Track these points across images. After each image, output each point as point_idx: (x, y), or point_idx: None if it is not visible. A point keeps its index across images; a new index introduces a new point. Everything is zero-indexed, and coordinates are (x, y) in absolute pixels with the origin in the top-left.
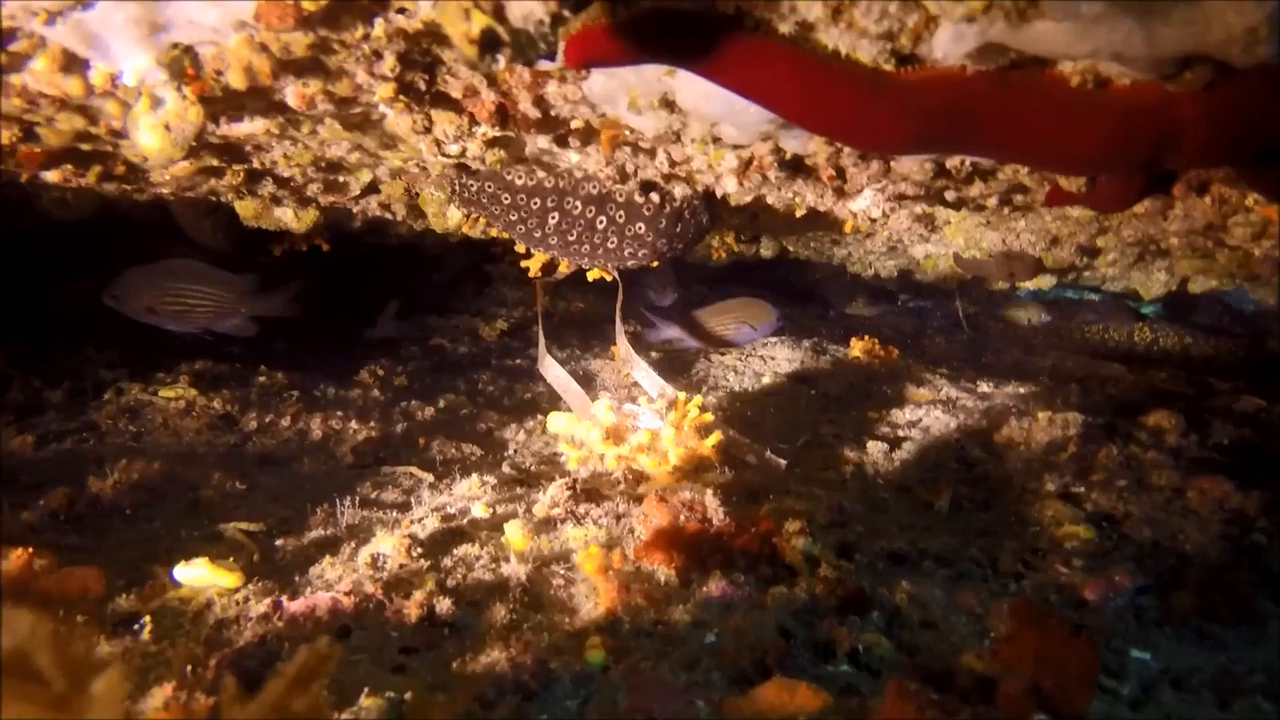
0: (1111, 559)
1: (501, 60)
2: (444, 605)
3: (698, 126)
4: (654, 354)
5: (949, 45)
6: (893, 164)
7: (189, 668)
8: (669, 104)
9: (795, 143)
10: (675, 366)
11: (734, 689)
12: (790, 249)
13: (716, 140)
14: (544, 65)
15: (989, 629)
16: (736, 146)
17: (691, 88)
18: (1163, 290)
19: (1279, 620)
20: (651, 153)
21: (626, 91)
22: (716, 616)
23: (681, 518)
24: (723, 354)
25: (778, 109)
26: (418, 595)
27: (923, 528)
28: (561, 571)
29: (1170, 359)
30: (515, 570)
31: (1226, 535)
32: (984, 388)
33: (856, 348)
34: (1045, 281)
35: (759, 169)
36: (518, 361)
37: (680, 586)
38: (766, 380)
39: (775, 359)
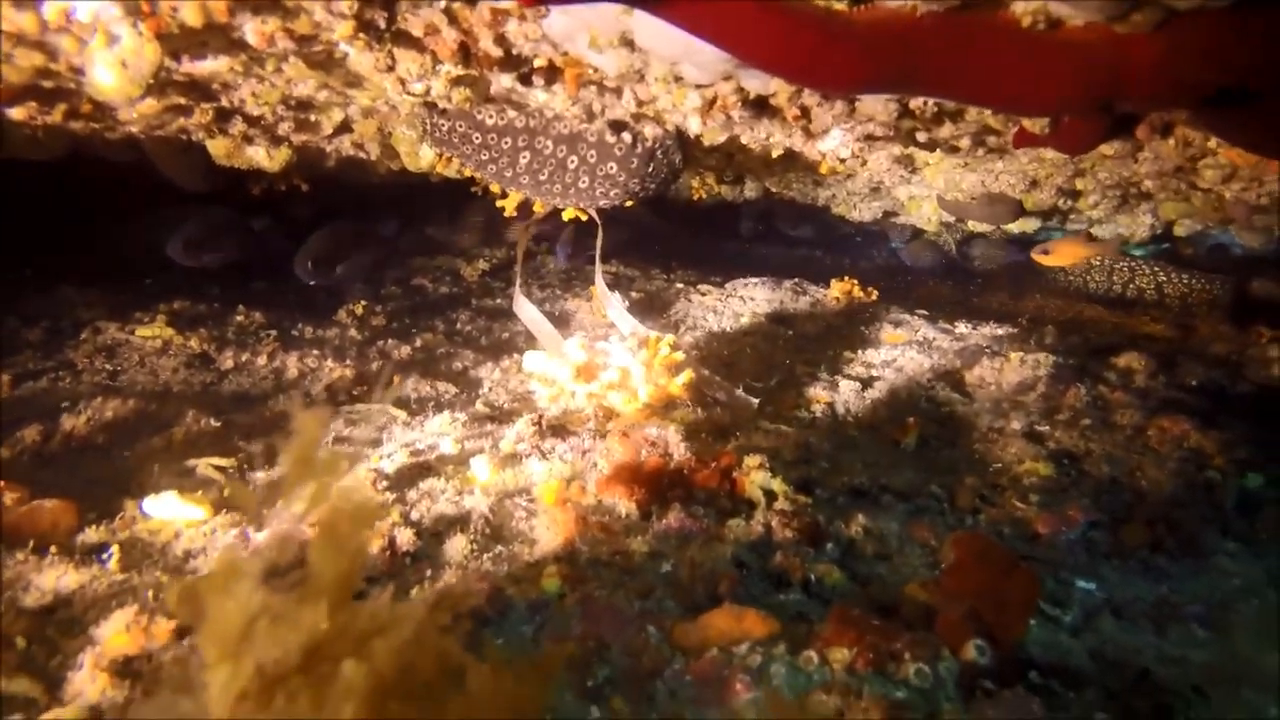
0: (1068, 495)
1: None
2: (405, 536)
3: (659, 65)
4: (634, 294)
5: None
6: (857, 104)
7: (151, 593)
8: (629, 43)
9: (757, 82)
10: (654, 306)
11: (686, 616)
12: (773, 190)
13: (679, 79)
14: (499, 3)
15: (941, 560)
16: (699, 86)
17: (649, 26)
18: (1148, 234)
19: (1224, 554)
20: (617, 92)
21: (586, 30)
22: (673, 548)
23: (643, 453)
24: (703, 294)
25: (728, 48)
26: (381, 526)
27: (887, 465)
28: (523, 504)
29: (1144, 298)
30: (478, 503)
31: (1183, 472)
32: (961, 329)
33: (836, 289)
34: (1030, 224)
35: (722, 108)
36: (498, 301)
37: (640, 519)
38: (745, 320)
39: (755, 299)
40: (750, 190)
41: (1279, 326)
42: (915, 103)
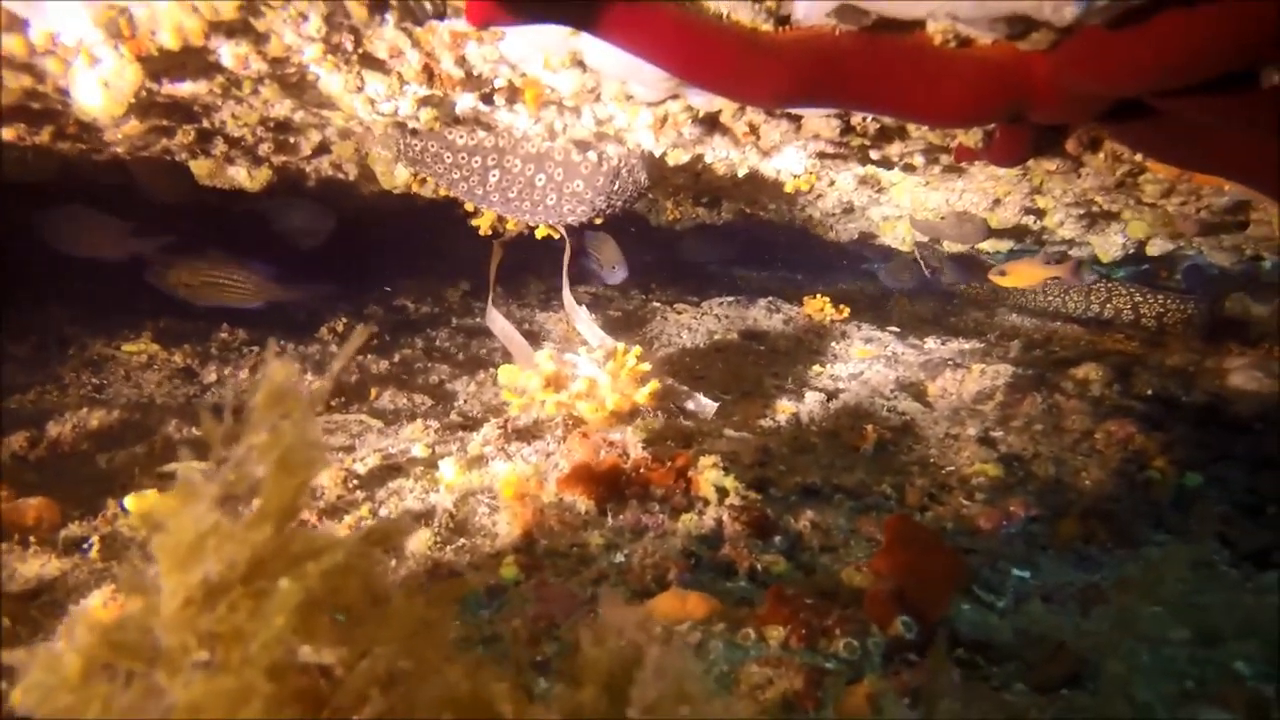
0: (1014, 493)
1: (390, 20)
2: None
3: (610, 85)
4: (612, 313)
5: (808, 6)
6: (802, 121)
7: (129, 574)
8: (580, 63)
9: (702, 99)
10: (630, 323)
11: (635, 601)
12: (747, 210)
13: (630, 98)
14: (457, 26)
15: None
16: (651, 104)
17: (596, 47)
18: (1120, 253)
19: (1154, 544)
20: (577, 111)
21: (540, 51)
22: (628, 541)
23: (602, 453)
24: (679, 312)
25: (663, 64)
26: (348, 519)
27: (843, 467)
28: (487, 501)
29: (1120, 318)
30: (443, 500)
31: (1124, 472)
32: (930, 344)
33: (809, 307)
34: (1002, 245)
35: (674, 125)
36: (477, 320)
37: (598, 515)
38: (718, 337)
39: (729, 317)
40: (727, 213)
41: (1251, 344)
42: (856, 119)
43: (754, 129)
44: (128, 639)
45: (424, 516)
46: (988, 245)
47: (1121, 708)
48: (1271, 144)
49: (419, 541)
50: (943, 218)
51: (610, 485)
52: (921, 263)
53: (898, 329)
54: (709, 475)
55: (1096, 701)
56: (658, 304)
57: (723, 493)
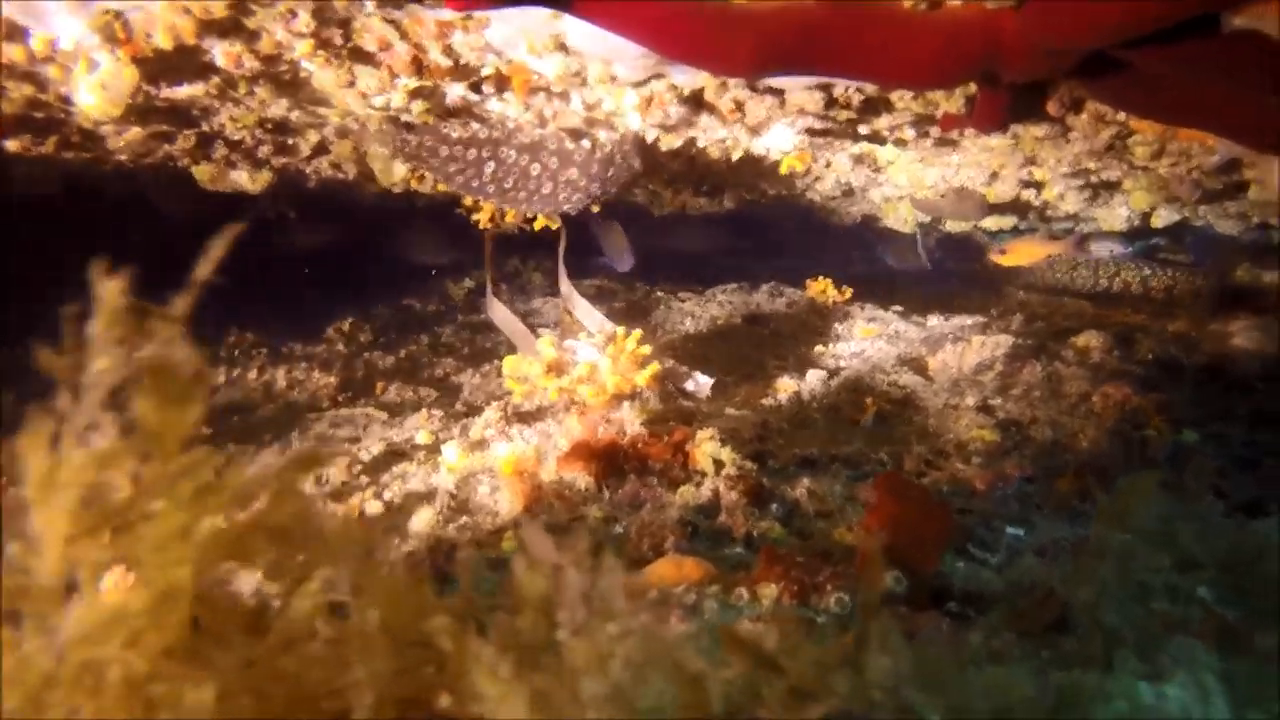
0: (1010, 457)
1: (369, 4)
2: (374, 507)
3: (594, 67)
4: (617, 304)
5: None
6: (786, 96)
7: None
8: (563, 46)
9: (685, 77)
10: (634, 312)
11: (633, 569)
12: (748, 197)
13: (614, 79)
14: (443, 15)
15: None
16: (635, 84)
17: (577, 28)
18: (1124, 224)
19: None
20: (565, 96)
21: (524, 36)
22: (626, 513)
23: (600, 430)
24: (683, 300)
25: (641, 40)
26: (353, 501)
27: (842, 440)
28: (488, 481)
29: (1130, 292)
30: (445, 481)
31: (1120, 432)
32: (933, 321)
33: (811, 289)
34: (1005, 221)
35: (659, 104)
36: (482, 316)
37: (597, 490)
38: (721, 323)
39: (732, 303)
40: (729, 200)
41: (1260, 313)
42: (838, 90)
43: (739, 105)
44: (12, 584)
45: (427, 498)
46: (990, 222)
47: (1098, 647)
48: (1242, 92)
49: (422, 520)
50: (942, 195)
51: (609, 461)
52: (923, 251)
53: (901, 308)
54: (706, 448)
55: (1080, 644)
56: (661, 293)
57: (719, 464)
